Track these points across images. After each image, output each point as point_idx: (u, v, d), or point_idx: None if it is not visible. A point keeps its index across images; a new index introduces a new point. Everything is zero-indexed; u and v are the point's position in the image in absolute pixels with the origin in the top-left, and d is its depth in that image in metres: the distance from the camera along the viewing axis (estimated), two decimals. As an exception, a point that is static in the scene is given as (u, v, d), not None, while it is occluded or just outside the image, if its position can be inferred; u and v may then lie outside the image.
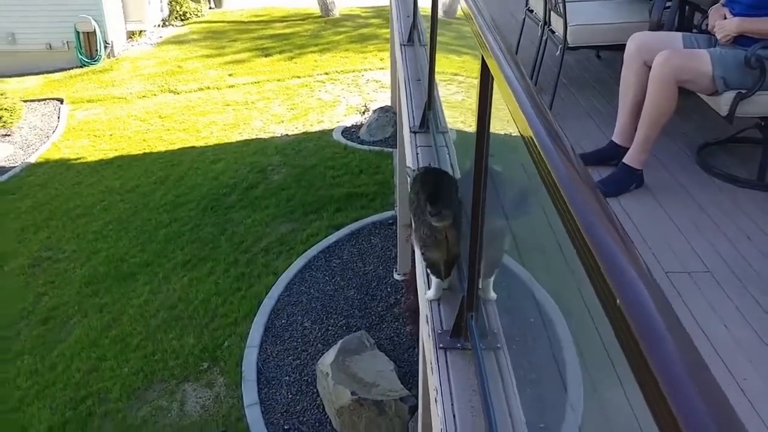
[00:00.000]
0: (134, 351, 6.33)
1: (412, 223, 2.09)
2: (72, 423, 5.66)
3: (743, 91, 2.63)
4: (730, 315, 2.14)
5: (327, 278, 7.03)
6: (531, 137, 1.07)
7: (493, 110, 1.59)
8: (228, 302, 6.81)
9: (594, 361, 1.89)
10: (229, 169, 9.54)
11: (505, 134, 1.80)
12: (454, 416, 1.73)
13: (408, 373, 5.71)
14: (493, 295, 2.03)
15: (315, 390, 5.75)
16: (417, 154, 3.07)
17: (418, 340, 4.11)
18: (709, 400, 0.57)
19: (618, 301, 0.70)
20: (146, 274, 7.38)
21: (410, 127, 3.31)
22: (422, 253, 2.12)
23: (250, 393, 5.77)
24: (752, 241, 2.48)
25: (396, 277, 6.92)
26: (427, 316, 2.11)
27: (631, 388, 0.65)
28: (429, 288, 2.16)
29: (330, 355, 5.71)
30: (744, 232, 2.54)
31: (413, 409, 5.17)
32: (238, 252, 7.58)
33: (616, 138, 3.03)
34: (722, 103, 2.68)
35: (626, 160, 2.85)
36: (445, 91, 3.72)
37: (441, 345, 1.96)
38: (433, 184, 2.01)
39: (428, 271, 2.15)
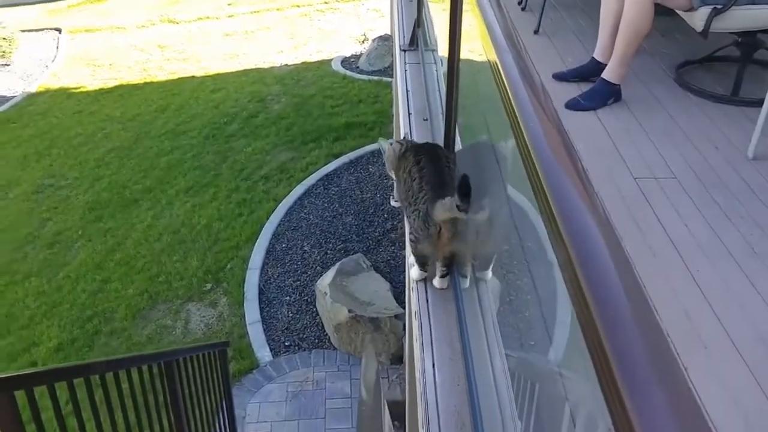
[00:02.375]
0: (139, 273, 6.54)
1: (403, 208, 1.88)
2: (79, 340, 5.89)
3: (718, 7, 2.71)
4: (692, 216, 2.28)
5: (326, 205, 7.19)
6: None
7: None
8: (230, 227, 6.98)
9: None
10: (229, 98, 9.60)
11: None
12: (427, 301, 1.90)
13: (403, 293, 5.89)
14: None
15: (314, 309, 5.98)
16: (405, 71, 3.17)
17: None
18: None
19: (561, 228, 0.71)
20: (149, 200, 7.54)
21: (400, 46, 3.39)
22: (411, 242, 1.85)
23: (252, 312, 5.99)
24: (720, 151, 2.61)
25: (393, 203, 6.92)
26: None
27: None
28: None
29: (328, 276, 5.91)
30: (713, 143, 2.66)
31: (407, 326, 5.39)
32: (239, 179, 7.72)
33: (597, 55, 3.13)
34: (697, 19, 2.75)
35: (605, 75, 2.95)
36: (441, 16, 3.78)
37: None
38: (434, 172, 1.75)
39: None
